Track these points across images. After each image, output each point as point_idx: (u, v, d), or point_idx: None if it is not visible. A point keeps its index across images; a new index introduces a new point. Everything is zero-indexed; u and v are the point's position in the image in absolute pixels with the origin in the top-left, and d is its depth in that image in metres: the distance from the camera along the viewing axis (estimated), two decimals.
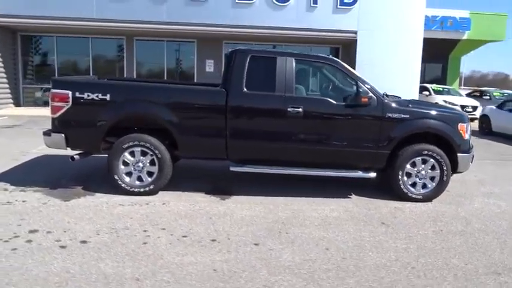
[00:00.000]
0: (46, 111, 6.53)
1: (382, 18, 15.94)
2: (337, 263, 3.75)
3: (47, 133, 5.34)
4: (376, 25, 15.95)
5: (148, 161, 5.35)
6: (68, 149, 5.50)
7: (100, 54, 16.99)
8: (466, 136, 5.66)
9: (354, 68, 15.61)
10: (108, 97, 5.19)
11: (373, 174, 5.59)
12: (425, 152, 5.52)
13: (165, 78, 17.12)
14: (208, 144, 5.38)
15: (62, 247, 3.82)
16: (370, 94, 5.33)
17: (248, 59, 5.36)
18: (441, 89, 18.73)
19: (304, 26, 15.77)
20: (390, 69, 15.94)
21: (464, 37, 24.35)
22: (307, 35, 15.95)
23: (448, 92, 18.70)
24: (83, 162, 6.69)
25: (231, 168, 5.44)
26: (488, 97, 19.71)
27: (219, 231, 4.35)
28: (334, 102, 5.40)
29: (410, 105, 5.63)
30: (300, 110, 5.30)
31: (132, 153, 5.32)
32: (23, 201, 5.01)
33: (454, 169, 5.66)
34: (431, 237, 4.47)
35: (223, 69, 6.37)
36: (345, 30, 16.02)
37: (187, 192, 5.63)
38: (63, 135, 5.24)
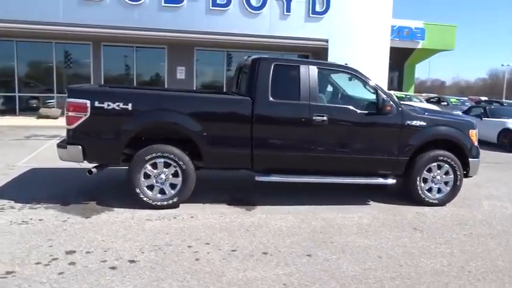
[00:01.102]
0: (7, 121, 6.09)
1: (352, 27, 16.42)
2: (398, 270, 3.77)
3: (61, 145, 4.99)
4: (346, 34, 16.40)
5: (171, 173, 5.13)
6: (83, 162, 5.15)
7: (64, 60, 16.15)
8: (476, 142, 5.92)
9: None
10: (129, 106, 4.93)
11: (392, 181, 5.70)
12: (441, 158, 5.72)
13: (135, 85, 16.61)
14: (234, 154, 5.26)
15: (112, 268, 3.56)
16: (391, 102, 5.44)
17: (272, 67, 5.30)
18: (403, 96, 19.53)
19: (277, 33, 15.90)
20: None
21: (419, 46, 25.69)
22: (280, 43, 16.09)
23: (410, 99, 19.55)
24: (79, 176, 6.37)
25: (257, 178, 5.35)
26: (445, 103, 20.80)
27: (265, 244, 4.25)
28: (357, 111, 5.46)
29: (426, 113, 5.81)
30: (325, 118, 5.31)
31: (154, 165, 5.08)
32: (40, 220, 4.63)
33: (465, 174, 5.89)
34: (466, 240, 4.62)
35: (237, 78, 6.28)
36: (317, 38, 16.33)
37: (208, 204, 5.47)
38: (80, 147, 4.91)
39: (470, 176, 5.99)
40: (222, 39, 15.59)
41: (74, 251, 3.86)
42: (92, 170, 5.07)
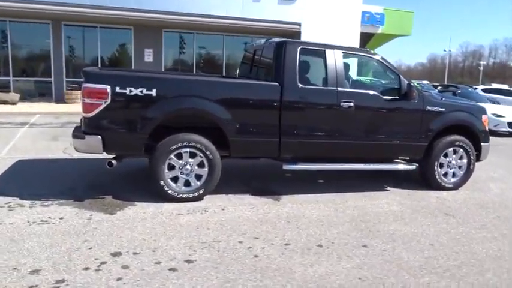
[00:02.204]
0: None
1: (324, 11, 16.41)
2: (457, 258, 3.77)
3: (78, 136, 4.51)
4: (318, 18, 16.37)
5: (196, 164, 4.82)
6: (102, 153, 4.70)
7: (21, 41, 14.89)
8: (487, 126, 6.06)
9: None
10: (154, 92, 4.54)
11: (413, 167, 5.73)
12: (457, 143, 5.81)
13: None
14: (261, 142, 5.02)
15: (173, 270, 3.27)
16: (413, 88, 5.42)
17: (298, 52, 5.09)
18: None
19: (250, 16, 15.56)
20: None
21: (379, 31, 26.22)
22: (253, 26, 15.80)
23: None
24: (75, 166, 5.92)
25: (284, 167, 5.16)
26: None
27: (314, 236, 4.10)
28: (381, 96, 5.39)
29: (443, 99, 5.85)
30: (352, 104, 5.20)
31: (179, 156, 4.74)
32: (61, 219, 4.19)
33: (477, 158, 6.03)
34: (499, 224, 4.72)
35: (252, 62, 5.98)
36: (290, 21, 16.20)
37: (231, 194, 5.22)
38: (99, 137, 4.47)
39: (481, 160, 6.14)
40: (192, 20, 15.07)
41: (120, 253, 3.50)
42: (112, 161, 4.64)
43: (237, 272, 3.28)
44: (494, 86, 38.09)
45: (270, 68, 5.27)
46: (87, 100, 4.41)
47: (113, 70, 5.73)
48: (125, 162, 5.28)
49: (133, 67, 16.20)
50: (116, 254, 3.47)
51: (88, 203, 4.69)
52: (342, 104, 5.16)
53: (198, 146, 4.74)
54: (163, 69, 16.66)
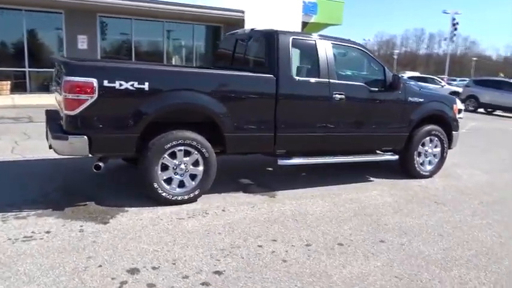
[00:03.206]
0: None
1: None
2: (471, 247, 3.88)
3: (59, 136, 3.94)
4: (261, 6, 16.22)
5: (191, 163, 4.48)
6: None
7: None
8: (457, 115, 6.35)
9: None
10: (146, 86, 4.10)
11: (396, 157, 5.84)
12: (433, 132, 6.01)
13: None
14: (256, 137, 4.78)
15: (206, 284, 2.97)
16: (400, 79, 5.48)
17: (290, 42, 4.89)
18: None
19: (191, 2, 14.99)
20: None
21: (312, 20, 26.69)
22: (195, 12, 15.23)
23: None
24: (34, 169, 5.31)
25: (280, 162, 4.98)
26: None
27: (329, 233, 3.99)
28: (369, 88, 5.39)
29: (421, 89, 6.00)
30: (343, 96, 5.13)
31: (172, 155, 4.37)
32: (47, 232, 3.66)
33: (449, 146, 6.31)
34: (485, 210, 4.97)
35: (233, 51, 5.67)
36: (233, 9, 15.86)
37: (223, 193, 4.94)
38: (85, 137, 3.94)
39: (451, 148, 6.41)
40: (128, 5, 14.14)
41: (137, 269, 3.11)
42: (100, 164, 4.13)
43: (275, 281, 3.06)
44: (409, 73, 40.95)
45: (260, 59, 5.02)
46: (69, 96, 3.85)
47: (98, 61, 5.10)
48: (82, 159, 4.77)
49: (65, 55, 14.89)
50: (133, 271, 3.08)
51: (70, 211, 4.15)
52: (334, 96, 5.06)
53: (194, 143, 4.39)
54: (99, 58, 15.51)
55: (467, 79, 40.27)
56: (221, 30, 17.98)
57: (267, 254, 3.48)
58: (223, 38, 5.93)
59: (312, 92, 4.99)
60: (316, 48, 5.07)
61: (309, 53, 5.04)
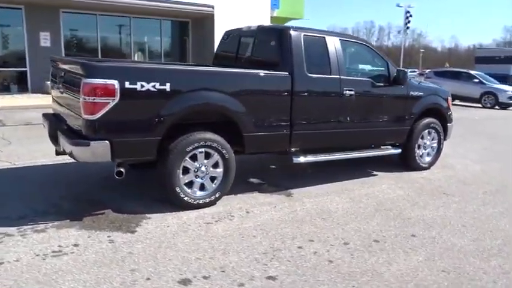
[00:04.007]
0: None
1: None
2: (497, 236, 4.01)
3: (81, 143, 3.70)
4: (231, 1, 16.04)
5: (211, 165, 4.36)
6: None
7: None
8: (451, 108, 6.57)
9: (213, 44, 15.48)
10: (168, 87, 3.92)
11: (399, 150, 5.95)
12: (432, 124, 6.18)
13: None
14: (274, 136, 4.72)
15: None
16: (406, 74, 5.58)
17: (302, 39, 4.85)
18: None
19: None
20: None
21: (274, 14, 26.74)
22: (163, 7, 14.85)
23: None
24: (33, 177, 5.04)
25: (295, 161, 4.94)
26: None
27: (361, 231, 4.00)
28: (376, 83, 5.45)
29: (420, 83, 6.15)
30: (353, 92, 5.16)
31: (193, 157, 4.23)
32: (75, 246, 3.43)
33: (444, 137, 6.51)
34: (493, 199, 5.16)
35: (237, 49, 5.55)
36: (202, 4, 15.60)
37: (239, 194, 4.84)
38: (107, 142, 3.73)
39: (446, 139, 6.62)
40: (92, 0, 13.54)
41: (188, 279, 2.99)
42: (122, 170, 3.92)
43: (330, 283, 3.03)
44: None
45: (272, 56, 4.94)
46: (90, 99, 3.62)
47: (117, 61, 4.82)
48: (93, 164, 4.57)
49: (26, 53, 14.10)
50: (185, 282, 2.95)
51: (91, 221, 3.92)
52: (344, 92, 5.08)
53: (214, 145, 4.26)
54: (63, 55, 14.78)
55: (416, 70, 41.88)
56: (189, 25, 17.65)
57: (310, 255, 3.43)
58: (224, 35, 5.76)
59: (324, 89, 4.98)
60: (326, 45, 5.05)
61: (319, 50, 5.01)
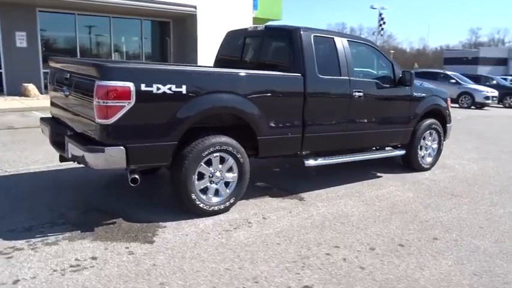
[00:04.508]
0: None
1: None
2: None
3: (96, 149, 3.48)
4: (214, 1, 15.86)
5: (226, 169, 4.22)
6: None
7: None
8: (449, 109, 6.63)
9: (196, 45, 15.29)
10: (184, 89, 3.76)
11: (403, 152, 5.95)
12: (433, 125, 6.22)
13: None
14: (286, 139, 4.61)
15: None
16: (412, 75, 5.59)
17: (313, 39, 4.77)
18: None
19: None
20: None
21: (253, 15, 26.64)
22: (145, 7, 14.53)
23: None
24: (25, 185, 4.81)
25: (307, 164, 4.85)
26: None
27: (383, 235, 3.94)
28: (382, 84, 5.43)
29: (421, 84, 6.17)
30: (361, 94, 5.12)
31: (207, 162, 4.07)
32: (93, 259, 3.23)
33: (444, 138, 6.57)
34: (500, 199, 5.19)
35: (242, 49, 5.41)
36: (185, 4, 15.34)
37: (251, 199, 4.71)
38: (122, 148, 3.53)
39: (445, 140, 6.67)
40: None
41: None
42: (137, 177, 3.73)
43: None
44: None
45: (282, 57, 4.83)
46: (104, 102, 3.41)
47: (130, 63, 4.58)
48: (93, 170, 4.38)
49: (1, 54, 13.52)
50: None
51: (103, 231, 3.71)
52: (354, 93, 5.02)
53: (230, 149, 4.12)
54: (40, 56, 14.27)
55: None
56: (170, 25, 17.34)
57: (340, 262, 3.34)
58: (226, 36, 5.62)
59: (334, 90, 4.92)
60: (335, 45, 4.98)
61: (329, 50, 4.93)
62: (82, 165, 4.88)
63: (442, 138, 6.42)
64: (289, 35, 4.74)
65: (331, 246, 3.61)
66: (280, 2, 28.37)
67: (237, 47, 5.49)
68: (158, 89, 3.61)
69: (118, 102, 3.44)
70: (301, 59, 4.61)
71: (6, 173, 5.37)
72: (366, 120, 5.28)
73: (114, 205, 4.34)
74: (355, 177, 5.75)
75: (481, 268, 3.34)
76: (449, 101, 6.54)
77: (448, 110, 6.50)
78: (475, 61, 63.76)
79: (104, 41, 16.06)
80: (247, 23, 17.18)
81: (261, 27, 5.17)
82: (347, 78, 4.98)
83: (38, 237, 3.54)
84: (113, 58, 16.43)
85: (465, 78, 20.83)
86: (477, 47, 76.30)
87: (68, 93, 4.01)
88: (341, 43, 5.03)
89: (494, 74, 32.03)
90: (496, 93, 19.99)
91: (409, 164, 6.19)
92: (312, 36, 4.77)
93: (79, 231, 3.68)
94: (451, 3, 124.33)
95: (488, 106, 20.19)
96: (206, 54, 15.63)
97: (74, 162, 3.89)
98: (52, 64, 4.68)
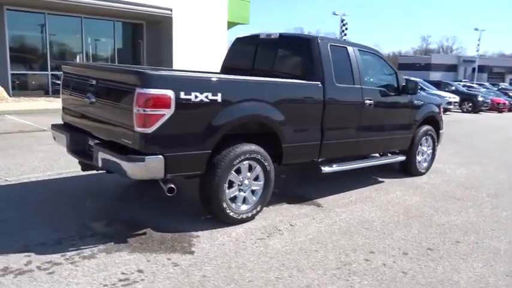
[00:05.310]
0: None
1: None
2: None
3: (136, 159, 3.41)
4: (188, 4, 15.75)
5: (253, 177, 4.24)
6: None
7: None
8: (442, 115, 6.95)
9: (171, 48, 15.13)
10: (219, 97, 3.75)
11: (404, 157, 6.18)
12: (429, 132, 6.50)
13: None
14: (307, 146, 4.69)
15: None
16: (417, 84, 5.82)
17: (329, 48, 4.89)
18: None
19: None
20: (203, 50, 16.19)
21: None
22: (119, 8, 14.19)
23: None
24: (38, 194, 4.68)
25: (324, 170, 4.94)
26: None
27: (408, 240, 4.09)
28: (388, 92, 5.63)
29: (419, 93, 6.43)
30: (372, 101, 5.29)
31: (237, 170, 4.08)
32: (140, 271, 3.16)
33: (437, 144, 6.88)
34: (500, 203, 5.50)
35: (253, 56, 5.44)
36: (161, 6, 15.15)
37: (270, 206, 4.75)
38: (161, 157, 3.48)
39: (437, 145, 6.98)
40: None
41: None
42: (173, 186, 3.67)
43: None
44: None
45: (301, 66, 4.91)
46: (145, 111, 3.35)
47: (166, 70, 4.45)
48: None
49: None
50: None
51: (138, 243, 3.63)
52: (365, 101, 5.18)
53: (258, 157, 4.15)
54: (8, 56, 13.60)
55: None
56: (143, 27, 17.02)
57: (381, 267, 3.45)
58: (234, 43, 5.62)
59: (349, 98, 5.05)
60: (348, 54, 5.11)
61: (343, 59, 5.05)
62: (85, 173, 4.82)
63: (436, 144, 6.71)
64: (307, 44, 4.82)
65: (366, 252, 3.71)
66: (248, 7, 28.50)
67: (247, 55, 5.50)
68: (196, 97, 3.58)
69: (159, 110, 3.39)
70: (320, 68, 4.69)
71: (8, 182, 5.11)
72: (375, 127, 5.45)
73: (137, 214, 4.25)
74: (360, 183, 5.90)
75: (509, 269, 3.54)
76: (441, 108, 6.84)
77: (441, 117, 6.80)
78: (428, 67, 66.85)
79: (75, 42, 15.52)
80: (223, 27, 17.20)
81: (274, 35, 5.21)
82: (359, 86, 5.12)
83: (72, 250, 3.41)
84: (85, 60, 15.89)
85: (428, 84, 21.77)
86: (428, 54, 80.00)
87: (93, 100, 3.89)
88: (353, 52, 5.17)
89: (445, 79, 33.65)
90: (457, 98, 21.05)
91: (407, 169, 6.43)
92: (329, 45, 4.87)
93: (112, 243, 3.57)
94: (404, 12, 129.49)
95: (450, 111, 21.19)
96: (182, 57, 15.50)
97: (103, 171, 3.77)
98: (66, 69, 4.51)
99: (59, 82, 14.49)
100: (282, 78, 4.74)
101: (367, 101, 5.19)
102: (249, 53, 5.49)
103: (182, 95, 3.49)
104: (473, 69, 54.09)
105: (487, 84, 38.27)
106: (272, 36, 5.24)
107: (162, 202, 4.60)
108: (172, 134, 3.52)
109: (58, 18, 14.69)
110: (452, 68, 68.40)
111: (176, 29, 15.65)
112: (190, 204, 4.50)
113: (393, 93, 5.68)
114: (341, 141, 5.04)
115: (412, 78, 6.76)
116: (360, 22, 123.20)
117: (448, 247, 3.93)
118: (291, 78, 4.73)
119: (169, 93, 3.41)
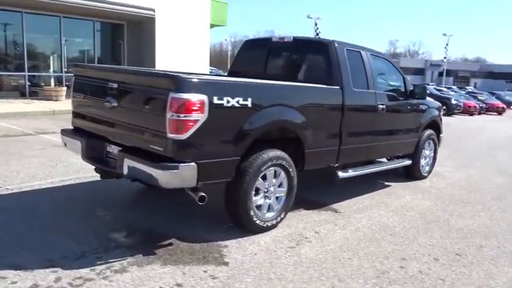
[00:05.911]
0: None
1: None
2: None
3: (170, 166, 3.25)
4: (172, 5, 15.51)
5: (278, 184, 4.16)
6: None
7: None
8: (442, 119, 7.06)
9: (154, 49, 14.86)
10: (249, 102, 3.65)
11: (410, 161, 6.23)
12: (432, 136, 6.59)
13: None
14: (326, 151, 4.64)
15: None
16: (425, 88, 5.88)
17: (346, 53, 4.87)
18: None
19: None
20: (186, 51, 15.98)
21: None
22: (100, 7, 13.79)
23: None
24: (47, 203, 4.48)
25: (341, 176, 4.89)
26: None
27: (434, 245, 4.10)
28: (398, 97, 5.66)
29: None
30: (384, 106, 5.30)
31: (263, 177, 3.99)
32: (179, 286, 3.02)
33: (438, 147, 6.98)
34: (506, 206, 5.61)
35: (266, 60, 5.36)
36: (143, 6, 14.84)
37: (289, 213, 4.65)
38: (194, 164, 3.35)
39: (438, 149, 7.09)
40: None
41: None
42: (204, 195, 3.53)
43: None
44: None
45: (319, 70, 4.87)
46: (179, 116, 3.21)
47: (197, 74, 4.25)
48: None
49: None
50: None
51: (167, 254, 3.48)
52: (378, 105, 5.18)
53: (283, 163, 4.06)
54: None
55: None
56: (124, 28, 16.62)
57: (418, 274, 3.43)
58: (245, 45, 5.51)
59: (365, 103, 5.04)
60: (362, 59, 5.10)
61: (359, 64, 5.04)
62: (89, 179, 4.60)
63: (437, 148, 6.80)
64: (325, 48, 4.77)
65: (399, 259, 3.68)
66: (226, 9, 28.38)
67: (259, 58, 5.40)
68: (228, 102, 3.46)
69: (193, 115, 3.25)
70: (339, 72, 4.65)
71: (9, 191, 4.82)
72: (386, 132, 5.45)
73: (155, 223, 4.09)
74: (368, 188, 5.89)
75: None
76: (441, 112, 6.94)
77: (441, 121, 6.90)
78: None
79: (54, 42, 14.97)
80: (206, 28, 17.02)
81: (288, 38, 5.13)
82: (373, 91, 5.12)
83: (100, 264, 3.22)
84: (64, 61, 15.31)
85: None
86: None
87: (115, 104, 3.70)
88: (366, 57, 5.16)
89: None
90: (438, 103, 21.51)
91: (411, 172, 6.48)
92: (345, 49, 4.84)
93: (141, 255, 3.41)
94: (372, 16, 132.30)
95: None
96: (164, 58, 15.22)
97: (115, 178, 3.60)
98: (79, 72, 4.29)
99: (35, 83, 14.01)
100: (295, 82, 4.68)
101: (380, 106, 5.20)
102: (260, 57, 5.40)
103: (215, 100, 3.37)
104: (440, 73, 55.86)
105: (454, 87, 39.41)
106: (286, 40, 5.17)
107: (176, 209, 4.47)
108: (205, 141, 3.38)
109: (35, 18, 14.12)
110: (420, 72, 70.31)
111: (159, 30, 15.35)
112: (206, 212, 4.35)
113: (402, 98, 5.70)
114: (357, 146, 5.01)
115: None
116: (330, 24, 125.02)
117: (474, 252, 3.95)
118: (307, 83, 4.66)
119: (204, 98, 3.28)
